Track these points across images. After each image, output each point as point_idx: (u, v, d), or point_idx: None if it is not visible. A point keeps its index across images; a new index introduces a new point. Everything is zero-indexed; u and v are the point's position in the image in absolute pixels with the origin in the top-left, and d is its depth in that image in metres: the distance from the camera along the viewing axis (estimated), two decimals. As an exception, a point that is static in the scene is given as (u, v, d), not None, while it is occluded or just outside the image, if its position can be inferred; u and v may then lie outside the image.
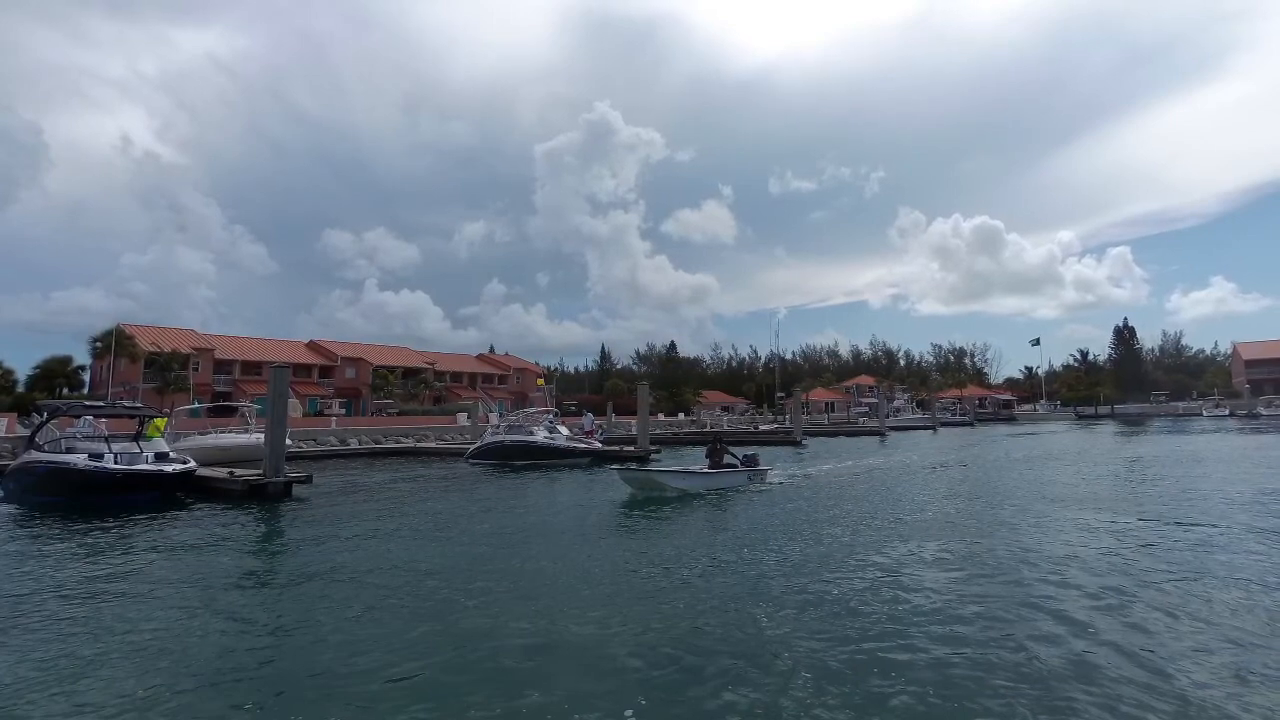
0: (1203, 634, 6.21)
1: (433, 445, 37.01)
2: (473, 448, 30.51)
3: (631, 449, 30.02)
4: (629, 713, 4.73)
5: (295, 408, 41.26)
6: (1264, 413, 63.79)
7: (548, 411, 32.48)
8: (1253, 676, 5.25)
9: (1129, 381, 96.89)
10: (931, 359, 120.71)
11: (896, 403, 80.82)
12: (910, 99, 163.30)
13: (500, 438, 29.45)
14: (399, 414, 52.46)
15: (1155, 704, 4.79)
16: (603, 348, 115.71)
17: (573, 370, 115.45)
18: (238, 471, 18.51)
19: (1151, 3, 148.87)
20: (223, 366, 55.91)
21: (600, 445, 30.38)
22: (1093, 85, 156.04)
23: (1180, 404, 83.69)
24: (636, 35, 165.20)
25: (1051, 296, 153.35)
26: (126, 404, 23.32)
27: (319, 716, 4.78)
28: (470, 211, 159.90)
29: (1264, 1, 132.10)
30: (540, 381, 42.83)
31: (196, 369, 51.81)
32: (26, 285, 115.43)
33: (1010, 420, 78.31)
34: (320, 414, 49.91)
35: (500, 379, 77.29)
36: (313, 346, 65.26)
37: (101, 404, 22.52)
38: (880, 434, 49.86)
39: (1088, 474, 20.50)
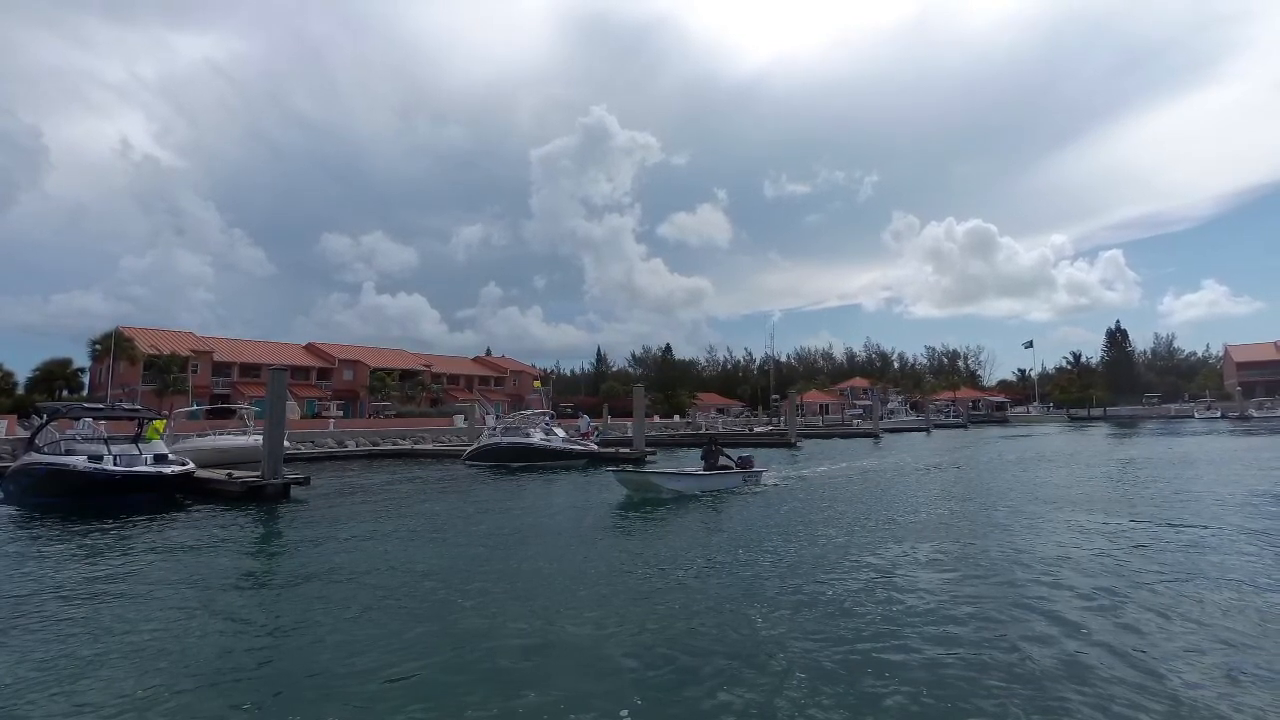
0: (1195, 634, 6.27)
1: (430, 447, 36.98)
2: (470, 449, 30.53)
3: (627, 451, 30.06)
4: (625, 713, 4.77)
5: (293, 410, 41.19)
6: (1255, 414, 64.01)
7: (544, 413, 32.52)
8: (1244, 677, 5.30)
9: (1121, 384, 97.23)
10: (925, 361, 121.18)
11: (890, 405, 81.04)
12: (904, 103, 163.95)
13: (497, 439, 29.47)
14: (396, 416, 52.40)
15: (1148, 704, 4.84)
16: (599, 350, 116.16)
17: (569, 373, 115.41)
18: (236, 473, 18.50)
19: (1144, 7, 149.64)
20: (221, 369, 55.76)
21: (596, 447, 30.43)
22: (1085, 89, 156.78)
23: (1172, 406, 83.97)
24: (632, 40, 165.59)
25: (1044, 299, 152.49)
26: (125, 406, 23.34)
27: (317, 716, 4.81)
28: (467, 215, 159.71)
29: (1256, 5, 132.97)
30: (537, 384, 42.91)
31: (195, 371, 51.67)
32: (26, 288, 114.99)
33: (1003, 422, 78.49)
34: (318, 416, 49.82)
35: (497, 381, 77.19)
36: (311, 349, 65.13)
37: (101, 406, 22.50)
38: (874, 436, 50.00)
39: (1080, 475, 20.60)
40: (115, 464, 16.09)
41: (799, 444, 39.56)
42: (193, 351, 53.04)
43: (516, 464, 27.17)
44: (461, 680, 5.39)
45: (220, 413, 35.41)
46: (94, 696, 5.20)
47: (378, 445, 36.93)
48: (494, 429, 31.91)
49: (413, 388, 63.02)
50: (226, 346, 58.67)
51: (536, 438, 28.86)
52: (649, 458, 29.05)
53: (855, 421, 66.11)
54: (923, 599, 7.37)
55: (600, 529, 12.74)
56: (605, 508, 15.33)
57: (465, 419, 49.19)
